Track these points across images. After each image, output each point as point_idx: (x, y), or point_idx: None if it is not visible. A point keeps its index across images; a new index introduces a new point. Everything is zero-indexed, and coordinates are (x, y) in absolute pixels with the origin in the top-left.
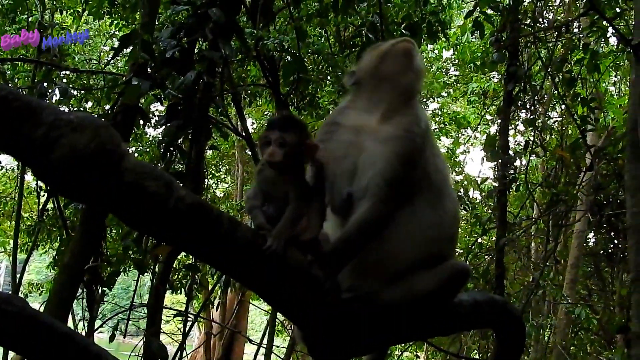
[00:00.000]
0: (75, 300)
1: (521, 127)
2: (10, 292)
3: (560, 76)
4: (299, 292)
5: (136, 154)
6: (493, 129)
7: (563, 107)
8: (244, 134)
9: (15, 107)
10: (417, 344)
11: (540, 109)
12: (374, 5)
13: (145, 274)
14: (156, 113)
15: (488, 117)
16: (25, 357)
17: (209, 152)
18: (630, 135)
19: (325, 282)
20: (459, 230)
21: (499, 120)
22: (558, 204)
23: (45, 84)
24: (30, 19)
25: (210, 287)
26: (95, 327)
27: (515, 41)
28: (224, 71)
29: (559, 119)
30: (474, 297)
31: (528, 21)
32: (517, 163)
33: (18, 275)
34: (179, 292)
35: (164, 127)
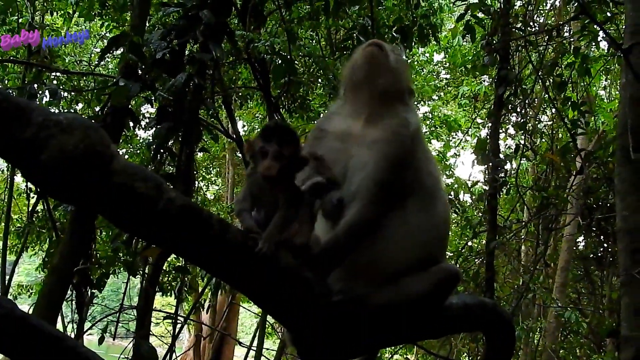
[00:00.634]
0: (65, 302)
1: (512, 131)
2: None
3: (551, 80)
4: (290, 295)
5: (126, 156)
6: (484, 133)
7: (553, 110)
8: (234, 136)
9: (4, 107)
10: (407, 346)
11: (530, 113)
12: (365, 8)
13: (135, 276)
14: (146, 115)
15: (479, 120)
16: (13, 359)
17: (200, 155)
18: (620, 139)
19: (315, 285)
20: (450, 233)
21: (490, 124)
22: (548, 207)
23: (35, 85)
24: (20, 20)
25: (200, 289)
26: (85, 329)
27: (506, 45)
28: (214, 73)
29: (549, 123)
30: (464, 300)
31: (519, 25)
32: (508, 166)
33: (7, 277)
34: (168, 294)
35: (154, 129)
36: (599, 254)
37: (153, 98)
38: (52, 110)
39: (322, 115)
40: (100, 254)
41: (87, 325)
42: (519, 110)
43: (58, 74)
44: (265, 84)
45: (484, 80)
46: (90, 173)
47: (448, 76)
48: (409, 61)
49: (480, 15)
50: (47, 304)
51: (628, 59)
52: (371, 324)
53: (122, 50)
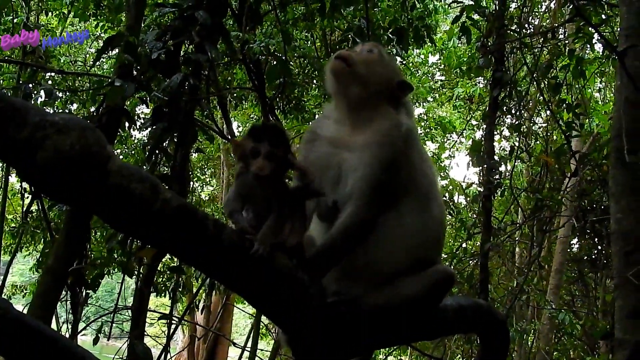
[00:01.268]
0: (59, 303)
1: (506, 133)
2: None
3: (546, 82)
4: (284, 296)
5: (121, 157)
6: (478, 134)
7: (548, 112)
8: (229, 137)
9: (0, 108)
10: (401, 348)
11: (525, 115)
12: (361, 9)
13: (130, 276)
14: (142, 115)
15: (473, 122)
16: (9, 359)
17: (195, 155)
18: (614, 141)
19: (310, 286)
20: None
21: (485, 126)
22: (542, 209)
23: (30, 85)
24: (15, 20)
25: (194, 290)
26: (79, 330)
27: (501, 47)
28: (209, 74)
29: (544, 125)
30: (459, 301)
31: (514, 27)
32: (502, 168)
33: (1, 277)
34: (163, 294)
35: (149, 129)
36: (593, 256)
37: (148, 98)
38: (48, 111)
39: (317, 116)
40: (95, 254)
41: (81, 325)
42: (513, 112)
43: (53, 74)
44: (260, 85)
45: (479, 82)
46: (87, 174)
47: (443, 78)
48: (404, 62)
49: (476, 17)
50: (42, 304)
51: (623, 62)
52: (366, 325)
53: (117, 50)
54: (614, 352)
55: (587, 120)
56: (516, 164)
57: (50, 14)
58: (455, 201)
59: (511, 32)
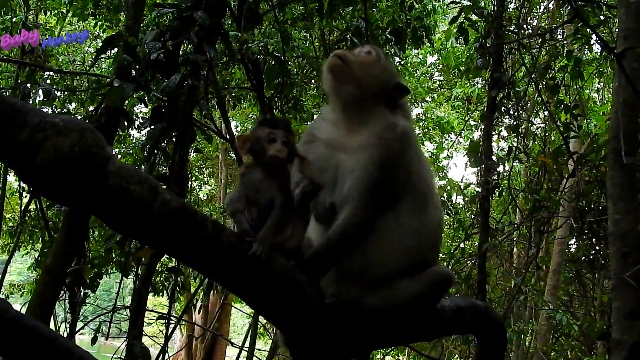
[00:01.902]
0: (57, 302)
1: (504, 133)
2: None
3: (544, 83)
4: (283, 297)
5: (120, 156)
6: (476, 135)
7: (546, 113)
8: (228, 136)
9: (0, 109)
10: (399, 348)
11: (523, 115)
12: (359, 9)
13: (128, 276)
14: (140, 115)
15: (472, 122)
16: (7, 359)
17: (193, 155)
18: (612, 142)
19: (308, 287)
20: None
21: (483, 126)
22: (540, 210)
23: (28, 85)
24: (14, 20)
25: (192, 290)
26: (77, 329)
27: (500, 47)
28: (208, 74)
29: (542, 126)
30: (456, 302)
31: (512, 28)
32: (500, 169)
33: None
34: (161, 294)
35: (148, 129)
36: (591, 257)
37: (147, 98)
38: (47, 111)
39: (315, 116)
40: (93, 254)
41: (79, 325)
42: (511, 112)
43: (51, 73)
44: (258, 85)
45: (477, 83)
46: (86, 175)
47: (441, 78)
48: (402, 62)
49: (474, 17)
50: (40, 304)
51: (621, 63)
52: (364, 326)
53: (116, 50)
54: (612, 352)
55: (585, 121)
56: (514, 164)
57: (49, 13)
58: (453, 201)
59: (509, 33)
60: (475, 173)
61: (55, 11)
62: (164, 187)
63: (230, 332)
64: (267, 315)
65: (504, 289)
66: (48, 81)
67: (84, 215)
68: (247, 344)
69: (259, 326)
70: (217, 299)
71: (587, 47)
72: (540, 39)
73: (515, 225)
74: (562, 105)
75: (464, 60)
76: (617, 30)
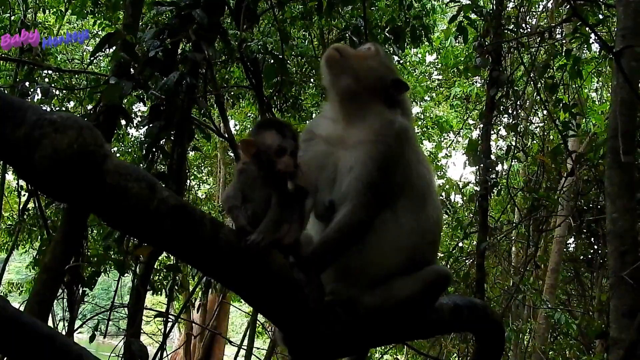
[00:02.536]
0: (55, 300)
1: (503, 132)
2: None
3: (543, 82)
4: (281, 295)
5: (118, 155)
6: (475, 134)
7: (545, 112)
8: (226, 135)
9: None
10: (397, 346)
11: (522, 114)
12: (358, 8)
13: (126, 274)
14: (139, 113)
15: (470, 121)
16: (5, 356)
17: (192, 153)
18: (611, 141)
19: (306, 285)
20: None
21: (481, 125)
22: (539, 209)
23: (27, 83)
24: (12, 18)
25: (191, 288)
26: (76, 328)
27: (498, 46)
28: (207, 72)
29: (540, 125)
30: (455, 301)
31: (511, 26)
32: (499, 168)
33: None
34: (159, 293)
35: (146, 127)
36: (589, 256)
37: (145, 96)
38: (46, 109)
39: (314, 115)
40: (91, 252)
41: (77, 323)
42: (510, 111)
43: (50, 71)
44: (257, 84)
45: (476, 82)
46: (84, 172)
47: (440, 77)
48: (401, 61)
49: (473, 16)
50: (38, 302)
51: (619, 62)
52: (362, 324)
53: (114, 48)
54: (610, 351)
55: (583, 120)
56: (513, 163)
57: (47, 11)
58: (452, 200)
59: (508, 32)
60: (473, 172)
61: (54, 9)
62: (162, 185)
63: (229, 330)
64: (265, 312)
65: (503, 288)
66: (47, 80)
67: (82, 213)
68: (245, 342)
69: (257, 325)
70: (216, 297)
71: (585, 46)
72: (539, 38)
73: (514, 224)
74: (561, 104)
75: (462, 59)
76: (615, 29)
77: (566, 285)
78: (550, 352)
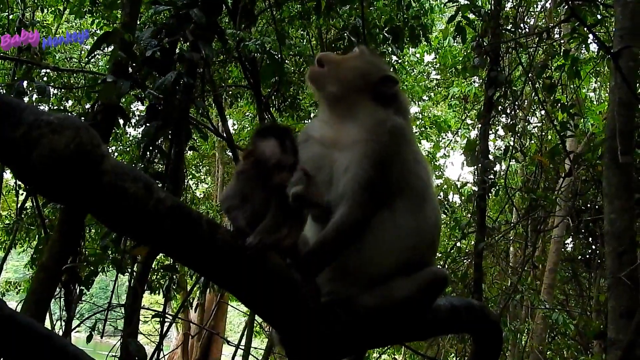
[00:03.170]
0: (53, 300)
1: (501, 132)
2: None
3: (541, 82)
4: (278, 296)
5: (116, 154)
6: (473, 134)
7: (543, 112)
8: (224, 135)
9: None
10: (395, 347)
11: (520, 114)
12: (357, 8)
13: (124, 274)
14: (137, 113)
15: (468, 121)
16: (2, 357)
17: (189, 153)
18: (609, 142)
19: (303, 286)
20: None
21: (480, 125)
22: (537, 209)
23: (24, 82)
24: (11, 17)
25: (188, 288)
26: (73, 327)
27: (497, 46)
28: (204, 72)
29: (538, 125)
30: (452, 301)
31: (509, 27)
32: (497, 168)
33: None
34: (157, 292)
35: (144, 127)
36: (587, 256)
37: (143, 96)
38: (43, 109)
39: (312, 114)
40: (89, 251)
41: (75, 323)
42: (508, 111)
43: (48, 70)
44: (255, 83)
45: (474, 82)
46: (81, 173)
47: (438, 77)
48: (399, 61)
49: (471, 16)
50: (36, 302)
51: (617, 63)
52: (359, 325)
53: (112, 47)
54: (607, 351)
55: (581, 120)
56: (511, 163)
57: (45, 10)
58: (450, 200)
59: (506, 32)
60: (471, 172)
61: (52, 8)
62: (160, 185)
63: (227, 330)
64: (263, 314)
65: (500, 288)
66: (45, 79)
67: (79, 213)
68: (243, 342)
69: (255, 325)
70: (213, 297)
71: (584, 46)
72: (537, 38)
73: (512, 224)
74: (559, 105)
75: (461, 59)
76: (613, 29)
77: (564, 286)
78: (548, 352)
